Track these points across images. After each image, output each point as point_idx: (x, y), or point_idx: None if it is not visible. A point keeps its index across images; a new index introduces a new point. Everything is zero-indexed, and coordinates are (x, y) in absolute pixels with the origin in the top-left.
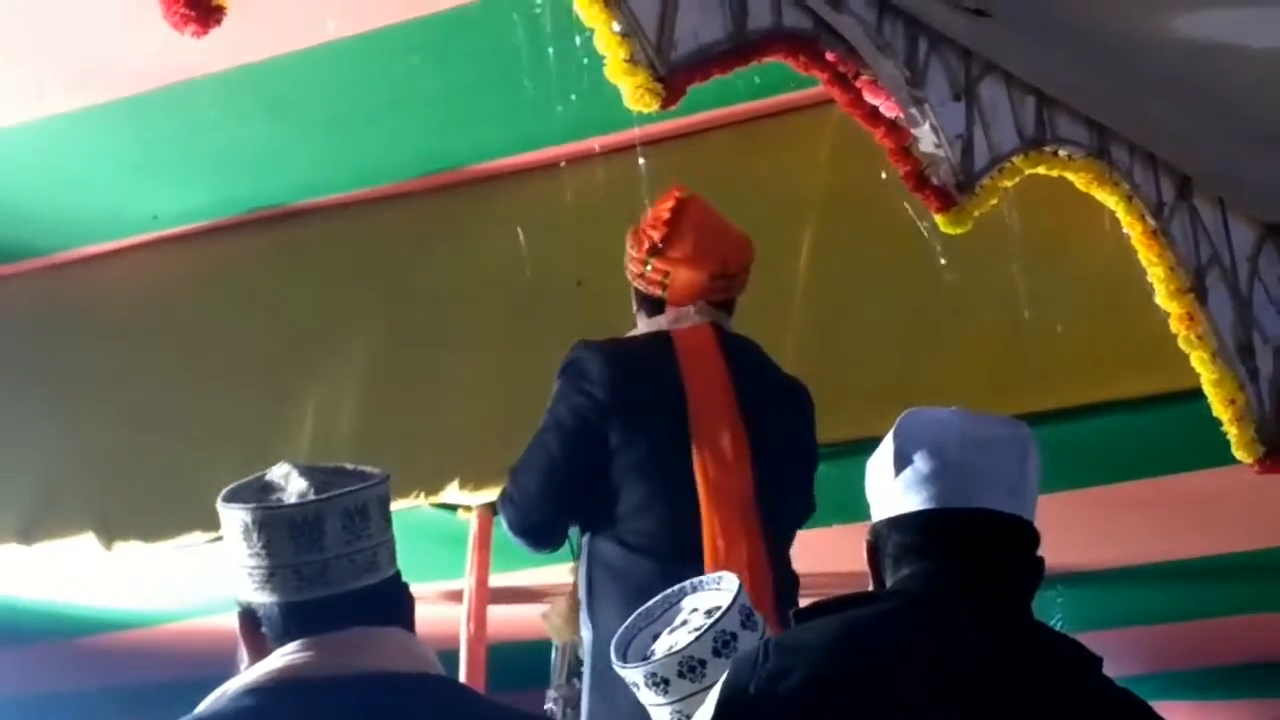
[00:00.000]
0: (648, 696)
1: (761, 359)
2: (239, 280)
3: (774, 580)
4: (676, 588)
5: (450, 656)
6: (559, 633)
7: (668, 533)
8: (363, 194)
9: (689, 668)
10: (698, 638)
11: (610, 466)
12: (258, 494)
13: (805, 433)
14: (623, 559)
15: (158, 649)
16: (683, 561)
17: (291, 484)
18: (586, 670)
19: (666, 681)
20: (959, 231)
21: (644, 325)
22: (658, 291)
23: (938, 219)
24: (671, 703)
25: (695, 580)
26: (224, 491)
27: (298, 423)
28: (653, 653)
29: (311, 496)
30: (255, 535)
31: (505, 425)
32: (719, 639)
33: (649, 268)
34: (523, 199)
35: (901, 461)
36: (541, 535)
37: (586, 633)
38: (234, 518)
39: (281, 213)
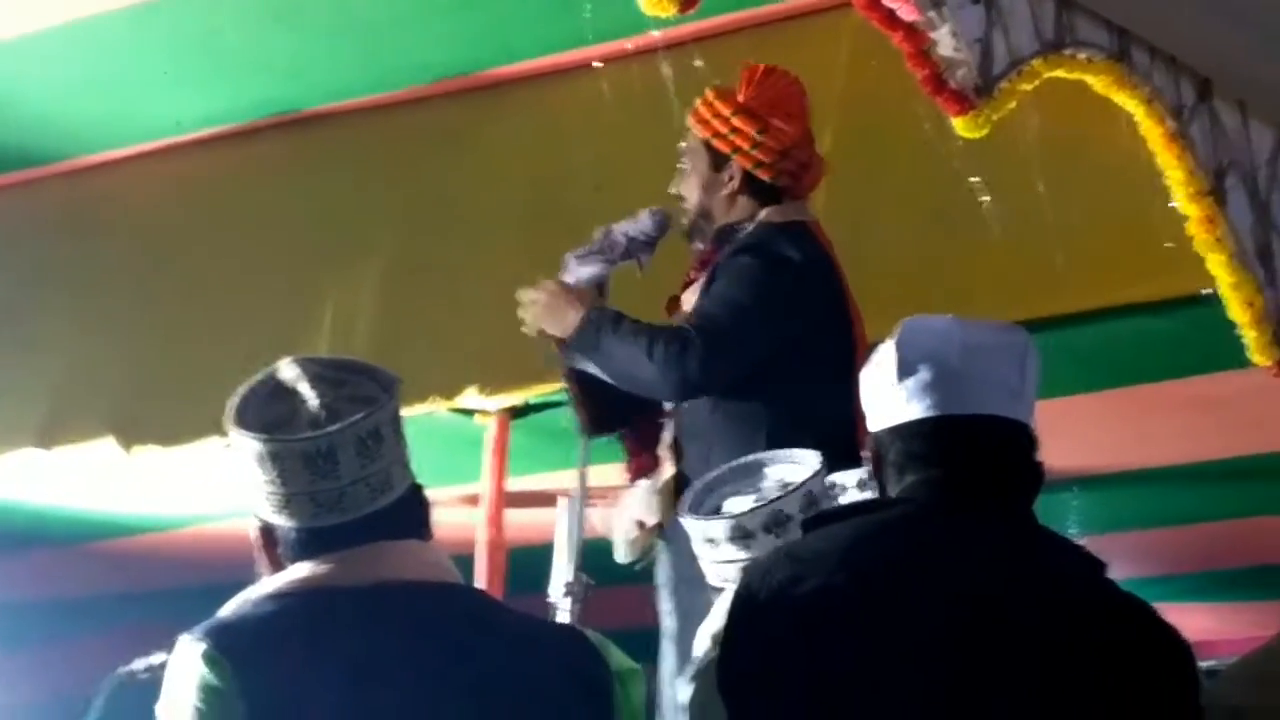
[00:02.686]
0: (724, 552)
1: None
2: (260, 185)
3: None
4: (751, 458)
5: (467, 561)
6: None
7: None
8: (382, 98)
9: (776, 522)
10: (789, 493)
11: (790, 364)
12: (268, 409)
13: None
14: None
15: (177, 553)
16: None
17: (302, 399)
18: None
19: (750, 536)
20: (977, 135)
21: (760, 213)
22: (787, 180)
23: (955, 123)
24: (749, 559)
25: (769, 453)
26: (233, 404)
27: (317, 324)
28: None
29: (325, 423)
30: (269, 464)
31: (523, 331)
32: (808, 499)
33: (784, 155)
34: (541, 104)
35: (904, 370)
36: (715, 377)
37: None
38: (246, 445)
39: (301, 117)
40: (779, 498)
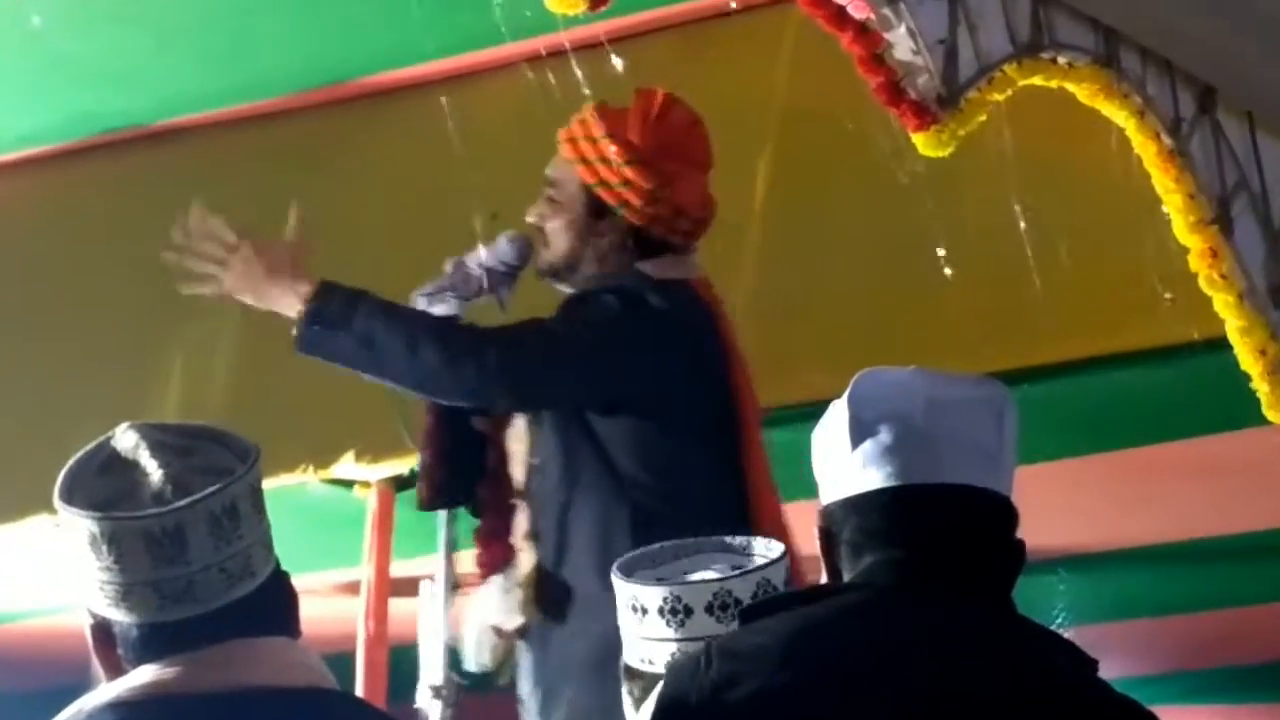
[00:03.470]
0: (652, 627)
1: None
2: (91, 214)
3: None
4: (692, 540)
5: (346, 660)
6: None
7: (708, 508)
8: (236, 111)
9: (721, 604)
10: (741, 574)
11: (648, 421)
12: (102, 484)
13: None
14: (656, 509)
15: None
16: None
17: (144, 472)
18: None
19: (689, 612)
20: (940, 154)
21: (641, 266)
22: (679, 239)
23: (915, 139)
24: (682, 640)
25: (718, 538)
26: (62, 477)
27: (163, 380)
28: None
29: (170, 499)
30: (104, 547)
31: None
32: (762, 586)
33: (680, 214)
34: (426, 119)
35: (859, 432)
36: (532, 396)
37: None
38: (76, 525)
39: (142, 134)
40: (731, 577)
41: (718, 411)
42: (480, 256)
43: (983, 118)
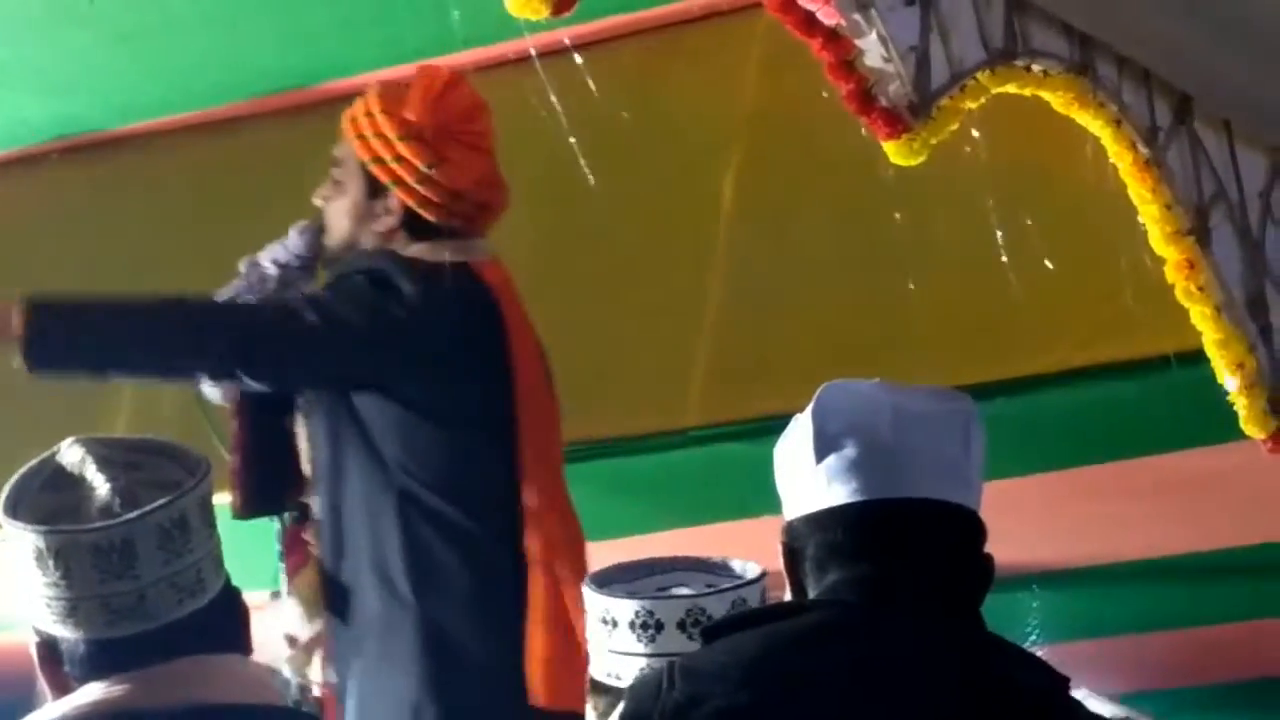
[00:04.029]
0: (621, 639)
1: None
2: (38, 225)
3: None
4: (668, 556)
5: None
6: (310, 609)
7: (481, 496)
8: (188, 118)
9: (694, 621)
10: (715, 592)
11: (405, 409)
12: (48, 498)
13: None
14: (454, 515)
15: None
16: (496, 531)
17: (90, 486)
18: (398, 649)
19: (660, 627)
20: (912, 163)
21: (412, 249)
22: (458, 223)
23: (886, 147)
24: (651, 655)
25: (694, 556)
26: (6, 491)
27: (114, 395)
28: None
29: (118, 512)
30: (50, 562)
31: None
32: (736, 605)
33: (457, 197)
34: None
35: (823, 446)
36: (263, 371)
37: (396, 602)
38: (21, 538)
39: (89, 142)
40: (705, 594)
41: (489, 401)
42: (273, 253)
43: (955, 126)
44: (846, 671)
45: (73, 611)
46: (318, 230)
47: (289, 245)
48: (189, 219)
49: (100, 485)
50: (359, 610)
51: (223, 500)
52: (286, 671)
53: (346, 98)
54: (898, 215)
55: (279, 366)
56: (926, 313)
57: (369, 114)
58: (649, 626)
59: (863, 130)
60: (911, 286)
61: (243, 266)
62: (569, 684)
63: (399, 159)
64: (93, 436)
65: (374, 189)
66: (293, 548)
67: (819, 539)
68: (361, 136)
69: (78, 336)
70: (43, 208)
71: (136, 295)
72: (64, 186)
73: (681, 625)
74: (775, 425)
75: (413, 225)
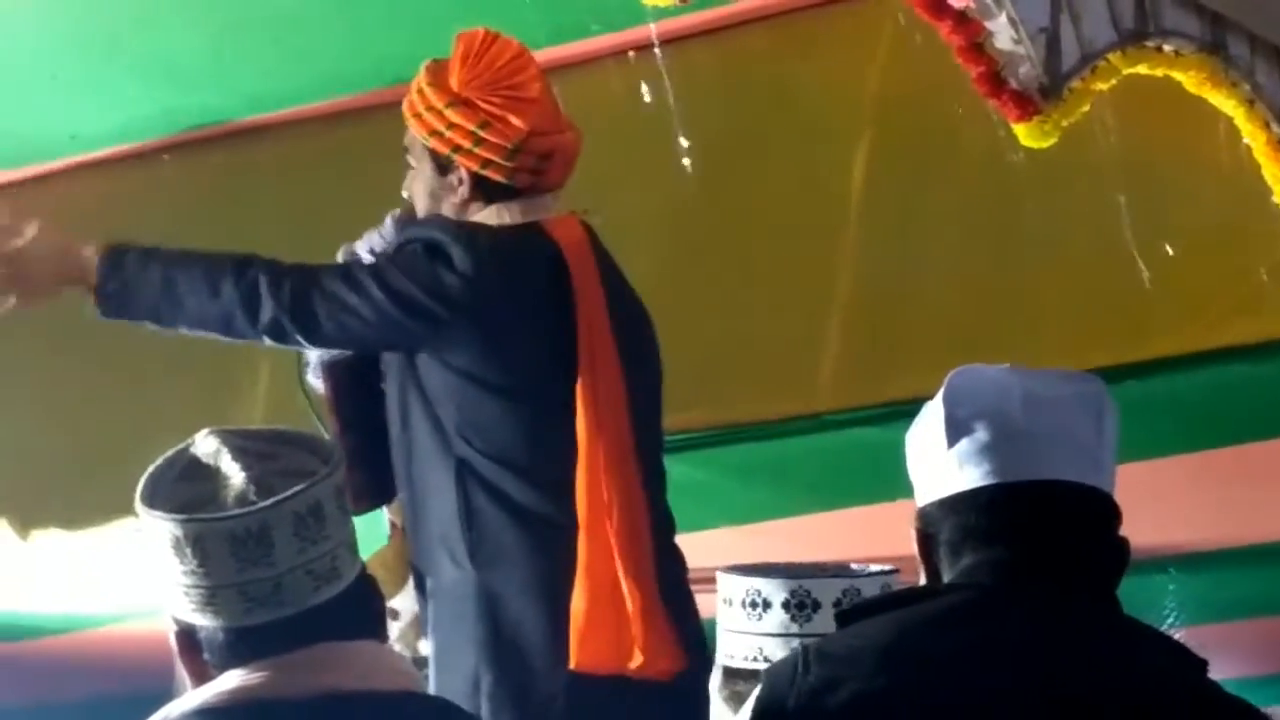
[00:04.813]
0: (735, 618)
1: (617, 265)
2: (173, 213)
3: (654, 536)
4: (810, 563)
5: None
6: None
7: (541, 467)
8: (322, 107)
9: (799, 604)
10: (828, 576)
11: (462, 378)
12: (184, 489)
13: (659, 368)
14: (512, 485)
15: (84, 660)
16: (555, 500)
17: (225, 476)
18: (460, 618)
19: (816, 607)
20: (1043, 145)
21: (487, 214)
22: (526, 179)
23: (1017, 130)
24: (758, 634)
25: (837, 563)
26: (143, 483)
27: (250, 384)
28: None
29: (254, 500)
30: (188, 551)
31: None
32: (848, 593)
33: (516, 150)
34: None
35: (955, 430)
36: (318, 333)
37: (459, 571)
38: (159, 529)
39: (223, 131)
40: (810, 576)
41: (547, 367)
42: (370, 241)
43: (1086, 108)
44: (982, 654)
45: (211, 600)
46: (413, 218)
47: (384, 233)
48: (307, 213)
49: (235, 475)
50: (433, 581)
51: None
52: (398, 648)
53: None
54: (1028, 199)
55: (330, 327)
56: (1057, 296)
57: (419, 90)
58: (805, 606)
59: (993, 114)
60: (1042, 270)
61: (340, 255)
62: (605, 648)
63: (451, 126)
64: (227, 428)
65: (441, 165)
66: (395, 531)
67: (953, 523)
68: (417, 115)
69: (142, 287)
70: (175, 197)
71: (208, 252)
72: (179, 183)
73: (838, 604)
74: (907, 409)
75: (486, 190)
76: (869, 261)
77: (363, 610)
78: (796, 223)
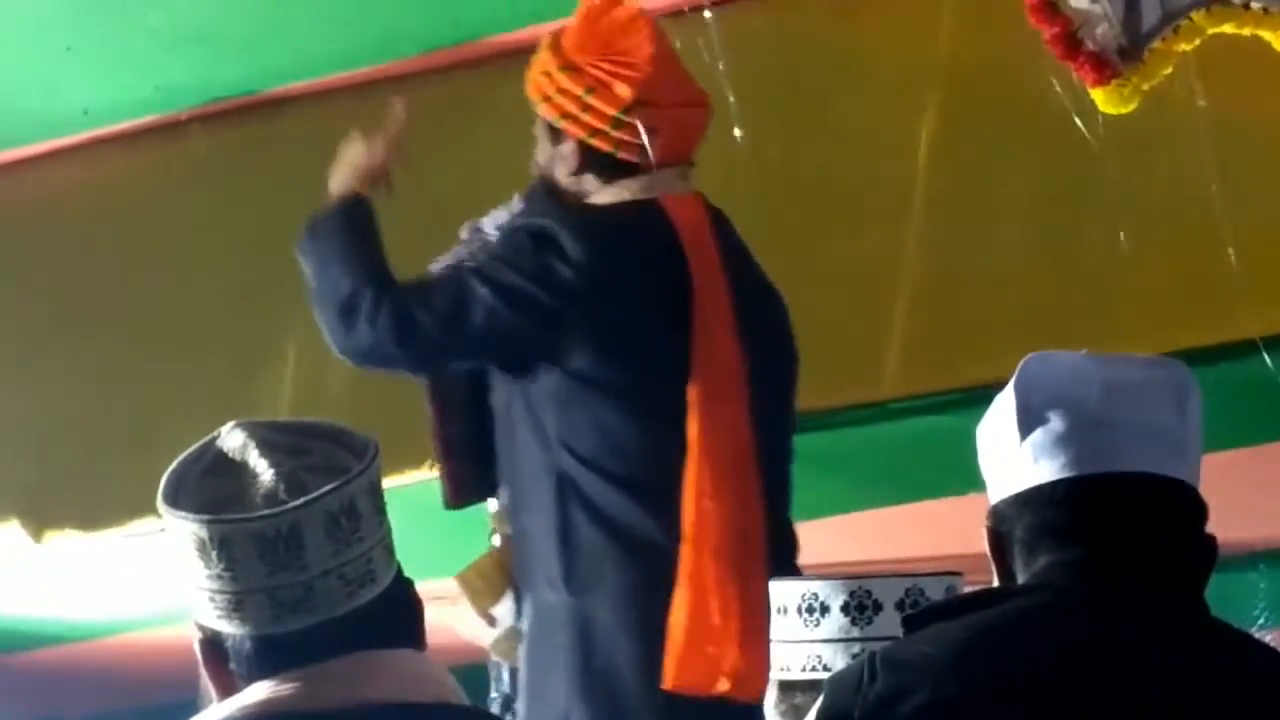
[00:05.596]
0: (791, 626)
1: (745, 247)
2: (196, 193)
3: (768, 552)
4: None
5: (478, 674)
6: (479, 597)
7: (646, 476)
8: (354, 76)
9: (860, 606)
10: (887, 577)
11: (570, 378)
12: (209, 486)
13: (793, 353)
14: (614, 500)
15: (103, 669)
16: (654, 513)
17: (253, 473)
18: (553, 645)
19: (878, 608)
20: (1122, 111)
21: (603, 193)
22: (630, 153)
23: (1094, 94)
24: (816, 641)
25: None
26: (165, 480)
27: (277, 373)
28: None
29: (284, 499)
30: (214, 553)
31: None
32: (911, 593)
33: (620, 121)
34: None
35: (1029, 421)
36: (424, 360)
37: (554, 595)
38: (183, 530)
39: (249, 103)
40: (870, 576)
41: (660, 365)
42: (497, 218)
43: (1168, 70)
44: (1060, 660)
45: (238, 606)
46: (537, 192)
47: (513, 209)
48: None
49: (264, 471)
50: (531, 601)
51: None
52: (493, 657)
53: (509, 54)
54: (1106, 170)
55: (436, 341)
56: (1137, 274)
57: (539, 53)
58: (866, 608)
59: (1070, 78)
60: (1121, 248)
61: (464, 232)
62: (700, 669)
63: (560, 91)
64: (255, 420)
65: (554, 137)
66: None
67: (1027, 520)
68: (534, 81)
69: (315, 252)
70: (202, 173)
71: (373, 254)
72: (223, 150)
73: (900, 606)
74: (978, 396)
75: (597, 164)
76: (937, 238)
77: (400, 616)
78: (858, 197)
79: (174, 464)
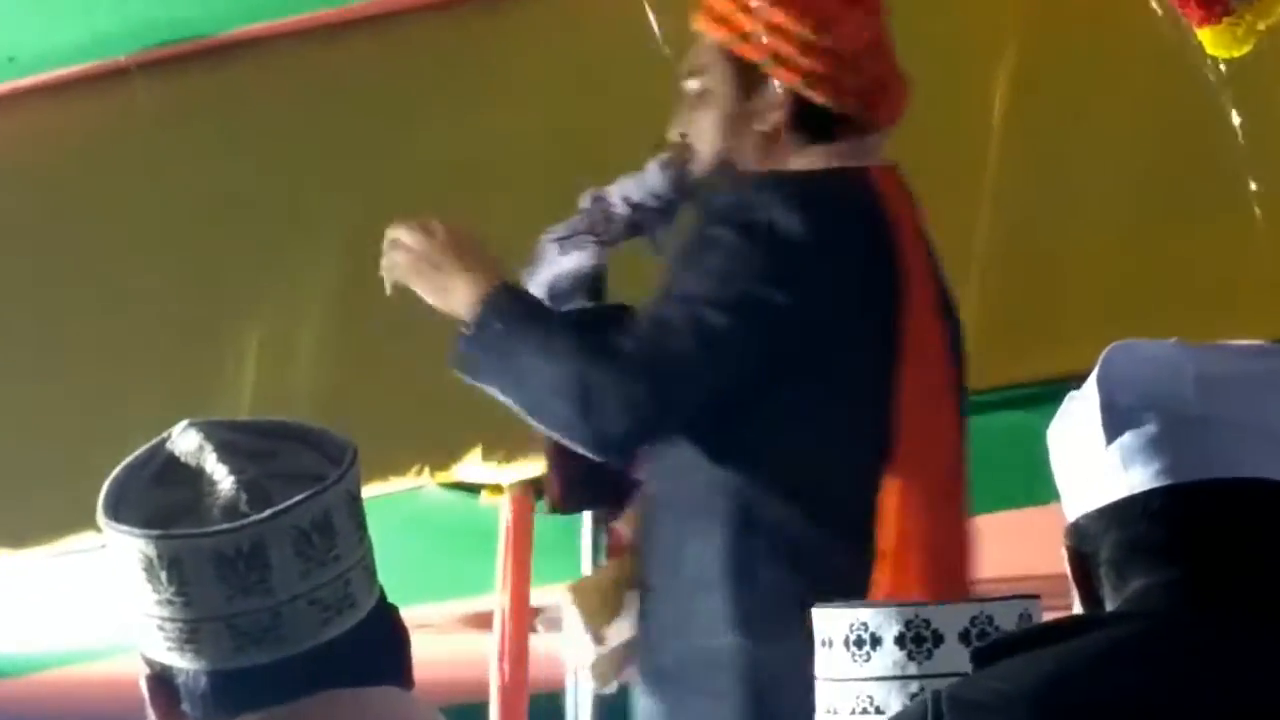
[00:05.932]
0: (837, 662)
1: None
2: (140, 150)
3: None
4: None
5: (475, 713)
6: (594, 616)
7: (841, 495)
8: (324, 17)
9: (917, 637)
10: (1002, 599)
11: (780, 387)
12: (158, 496)
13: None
14: (805, 532)
15: (37, 709)
16: (848, 542)
17: (210, 481)
18: (707, 692)
19: (939, 640)
20: (1234, 54)
21: (801, 159)
22: (854, 105)
23: (1201, 36)
24: (866, 680)
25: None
26: (107, 489)
27: (236, 363)
28: None
29: (245, 511)
30: (163, 575)
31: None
32: (978, 622)
33: (853, 65)
34: (569, 24)
35: (1114, 422)
36: (671, 419)
37: (717, 638)
38: (126, 544)
39: (200, 48)
40: (926, 604)
41: (868, 368)
42: (625, 189)
43: None
44: (1159, 698)
45: (192, 636)
46: (684, 166)
47: (647, 181)
48: (329, 144)
49: (223, 479)
50: (680, 642)
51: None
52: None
53: None
54: (1213, 125)
55: (691, 394)
56: (1243, 251)
57: None
58: (924, 640)
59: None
60: (1228, 220)
61: (585, 201)
62: None
63: (772, 29)
64: (211, 419)
65: (748, 84)
66: (616, 548)
67: (1115, 537)
68: (719, 18)
69: (496, 363)
70: (148, 126)
71: (567, 327)
72: (165, 105)
73: (965, 637)
74: (1057, 391)
75: (804, 118)
76: (1012, 211)
77: (381, 648)
78: (923, 162)
79: (116, 470)
